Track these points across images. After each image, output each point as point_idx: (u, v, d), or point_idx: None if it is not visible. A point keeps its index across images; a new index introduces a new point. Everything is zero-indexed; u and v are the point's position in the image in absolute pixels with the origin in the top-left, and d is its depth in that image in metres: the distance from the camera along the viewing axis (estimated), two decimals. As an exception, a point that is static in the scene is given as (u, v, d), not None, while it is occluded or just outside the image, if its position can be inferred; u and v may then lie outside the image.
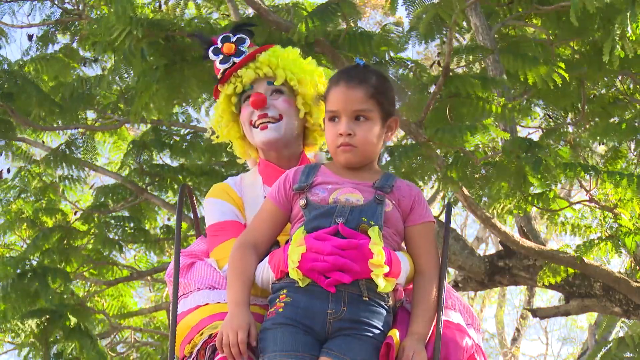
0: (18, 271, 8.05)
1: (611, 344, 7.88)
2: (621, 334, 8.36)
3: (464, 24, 7.25)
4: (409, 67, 6.48)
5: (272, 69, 3.17)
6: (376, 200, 2.77)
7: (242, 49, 3.21)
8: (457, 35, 7.28)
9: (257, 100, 3.14)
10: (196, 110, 8.58)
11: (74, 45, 8.05)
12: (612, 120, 7.56)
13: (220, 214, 3.09)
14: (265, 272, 2.80)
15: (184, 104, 7.88)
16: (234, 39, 3.23)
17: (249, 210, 3.09)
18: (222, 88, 3.22)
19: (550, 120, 7.75)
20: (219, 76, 3.23)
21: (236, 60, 3.19)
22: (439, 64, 7.37)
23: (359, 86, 2.80)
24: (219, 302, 2.90)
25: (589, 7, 5.50)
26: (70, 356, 8.33)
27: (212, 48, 3.24)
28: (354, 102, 2.79)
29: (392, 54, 6.50)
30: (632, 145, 7.65)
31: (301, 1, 7.44)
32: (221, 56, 3.21)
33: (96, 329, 9.14)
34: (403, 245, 2.88)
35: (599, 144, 8.06)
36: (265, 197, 2.94)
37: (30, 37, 8.04)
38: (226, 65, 3.20)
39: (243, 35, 3.24)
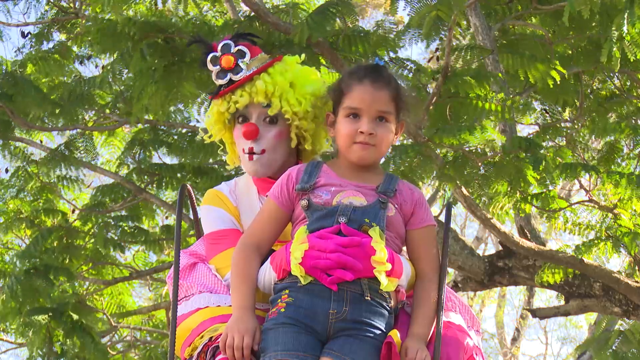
0: (23, 267, 8.07)
1: (611, 334, 7.87)
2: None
3: (464, 23, 7.24)
4: (408, 67, 6.47)
5: (268, 97, 3.09)
6: (380, 203, 2.77)
7: (240, 64, 3.10)
8: (457, 35, 7.27)
9: (248, 132, 3.08)
10: (196, 110, 8.56)
11: (69, 43, 8.01)
12: (609, 115, 7.56)
13: (220, 222, 3.07)
14: (267, 274, 2.79)
15: (182, 104, 7.87)
16: (234, 50, 3.11)
17: (245, 219, 3.07)
18: (216, 102, 3.14)
19: (547, 115, 7.75)
20: (214, 90, 3.15)
21: (234, 77, 3.09)
22: (437, 59, 7.36)
23: (385, 87, 2.81)
24: (219, 306, 2.89)
25: (584, 13, 5.50)
26: (71, 354, 8.33)
27: (210, 56, 3.13)
28: (379, 102, 2.79)
29: (391, 54, 6.49)
30: (632, 145, 7.64)
31: (300, 2, 7.41)
32: (218, 68, 3.11)
33: (96, 327, 9.13)
34: (404, 250, 2.88)
35: (596, 139, 8.07)
36: (266, 195, 2.92)
37: (24, 35, 7.99)
38: (222, 82, 3.11)
39: (244, 49, 3.12)
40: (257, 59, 3.14)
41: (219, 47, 3.13)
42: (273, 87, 3.09)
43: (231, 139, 3.21)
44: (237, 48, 3.12)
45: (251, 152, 3.09)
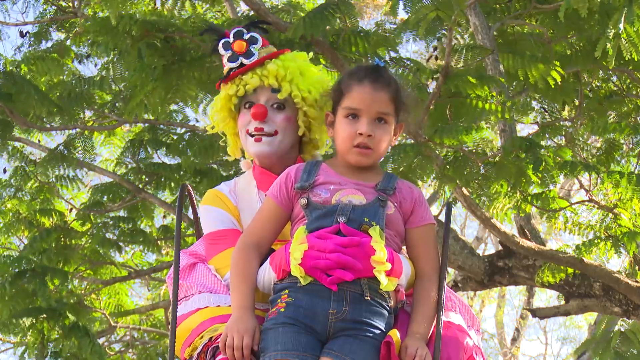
0: (16, 270, 8.06)
1: (612, 334, 7.87)
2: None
3: (464, 22, 7.24)
4: (408, 66, 6.47)
5: (278, 81, 3.11)
6: (379, 202, 2.76)
7: (252, 49, 3.14)
8: (457, 32, 7.26)
9: (257, 113, 3.09)
10: (194, 110, 8.56)
11: (68, 42, 8.01)
12: (609, 114, 7.56)
13: (220, 222, 3.07)
14: (267, 273, 2.79)
15: (181, 104, 7.86)
16: (246, 37, 3.16)
17: (245, 219, 3.07)
18: (225, 87, 3.17)
19: (546, 114, 7.75)
20: (224, 73, 3.18)
21: (245, 61, 3.13)
22: (436, 58, 7.36)
23: (385, 88, 2.80)
24: (219, 306, 2.89)
25: (581, 11, 5.49)
26: (69, 354, 8.33)
27: (222, 41, 3.17)
28: (379, 103, 2.79)
29: (392, 54, 6.49)
30: (631, 144, 7.65)
31: (301, 2, 7.42)
32: (230, 52, 3.15)
33: (93, 327, 9.13)
34: (403, 249, 2.87)
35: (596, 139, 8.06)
36: (265, 194, 2.92)
37: (22, 34, 7.99)
38: (233, 65, 3.14)
39: (256, 35, 3.17)
40: (266, 48, 3.18)
41: (232, 34, 3.18)
42: (284, 71, 3.12)
43: (234, 129, 3.23)
44: (249, 35, 3.17)
45: (260, 133, 3.10)
